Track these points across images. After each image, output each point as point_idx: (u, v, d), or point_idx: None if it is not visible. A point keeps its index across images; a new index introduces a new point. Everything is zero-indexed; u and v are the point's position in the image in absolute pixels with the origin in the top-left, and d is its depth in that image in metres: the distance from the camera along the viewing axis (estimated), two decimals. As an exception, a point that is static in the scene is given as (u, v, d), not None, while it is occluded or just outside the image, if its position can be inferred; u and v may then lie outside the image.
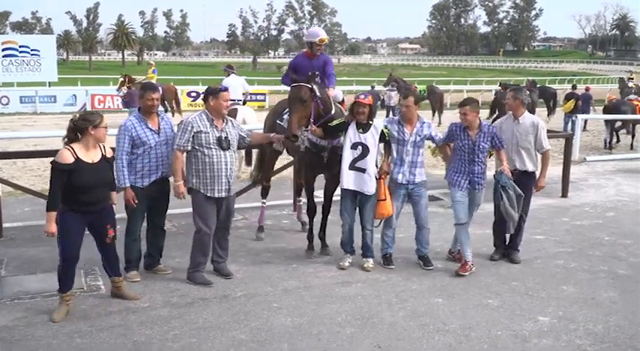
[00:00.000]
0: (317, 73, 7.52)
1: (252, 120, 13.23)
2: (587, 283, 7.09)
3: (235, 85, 14.32)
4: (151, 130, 6.78)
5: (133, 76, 24.54)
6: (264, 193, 9.15)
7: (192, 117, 6.76)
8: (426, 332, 5.71)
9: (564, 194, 11.60)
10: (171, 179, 6.90)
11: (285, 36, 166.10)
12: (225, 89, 6.92)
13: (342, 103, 8.52)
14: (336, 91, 8.42)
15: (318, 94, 7.15)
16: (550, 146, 7.59)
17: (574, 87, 24.79)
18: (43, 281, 6.87)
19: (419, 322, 5.92)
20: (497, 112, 21.11)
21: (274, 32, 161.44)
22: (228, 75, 14.88)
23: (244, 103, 14.61)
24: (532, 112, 22.04)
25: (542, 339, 5.63)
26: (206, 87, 7.32)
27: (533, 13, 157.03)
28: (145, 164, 6.79)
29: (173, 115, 23.58)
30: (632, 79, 26.21)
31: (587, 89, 24.19)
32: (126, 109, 23.67)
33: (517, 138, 7.51)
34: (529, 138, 7.50)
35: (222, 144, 6.66)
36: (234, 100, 13.86)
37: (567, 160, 11.90)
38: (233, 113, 13.24)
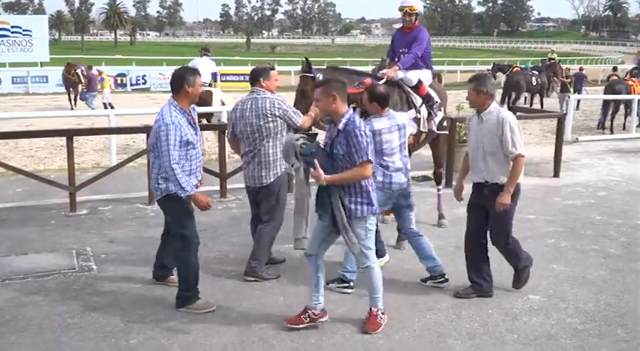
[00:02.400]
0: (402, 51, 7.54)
1: (228, 101, 12.88)
2: (577, 262, 7.10)
3: (205, 67, 14.21)
4: (191, 125, 5.58)
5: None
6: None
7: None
8: (418, 311, 5.71)
9: (556, 174, 11.60)
10: None
11: (279, 16, 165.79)
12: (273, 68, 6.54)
13: (418, 87, 7.67)
14: (408, 73, 7.61)
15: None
16: (522, 151, 5.63)
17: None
18: (34, 262, 6.85)
19: (410, 301, 5.92)
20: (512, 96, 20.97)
21: (268, 12, 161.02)
22: (201, 56, 14.73)
23: (210, 86, 14.37)
24: (540, 94, 22.17)
25: (533, 317, 5.64)
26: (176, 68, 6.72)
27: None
28: (188, 169, 5.58)
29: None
30: (554, 58, 26.21)
31: (580, 69, 24.20)
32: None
33: (482, 141, 5.79)
34: (494, 140, 5.69)
35: None
36: (204, 83, 13.80)
37: (559, 140, 11.88)
38: (208, 96, 13.12)
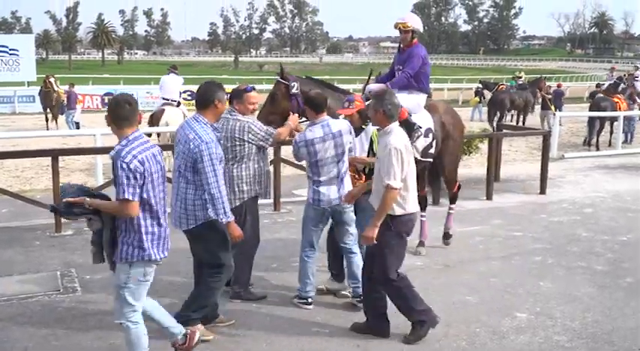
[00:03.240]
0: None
1: (175, 122, 12.27)
2: (564, 279, 7.11)
3: (173, 85, 14.14)
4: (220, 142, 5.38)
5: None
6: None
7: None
8: (405, 330, 5.68)
9: (542, 191, 11.65)
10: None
11: (266, 35, 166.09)
12: (252, 88, 6.21)
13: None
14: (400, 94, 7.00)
15: (295, 90, 6.71)
16: (395, 183, 5.08)
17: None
18: (18, 284, 6.79)
19: (398, 320, 5.88)
20: (497, 115, 21.04)
21: (256, 31, 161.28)
22: (169, 73, 14.64)
23: (179, 105, 14.25)
24: (524, 111, 22.27)
25: (520, 335, 5.64)
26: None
27: (513, 11, 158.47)
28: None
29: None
30: (521, 77, 26.42)
31: (558, 86, 24.48)
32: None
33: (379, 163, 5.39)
34: (379, 163, 5.39)
35: None
36: (168, 100, 13.76)
37: (545, 157, 11.94)
38: (160, 114, 13.14)
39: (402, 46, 7.58)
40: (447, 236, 8.20)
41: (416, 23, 7.45)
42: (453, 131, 7.95)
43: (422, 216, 8.00)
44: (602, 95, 19.51)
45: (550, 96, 21.42)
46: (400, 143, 5.23)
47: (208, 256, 5.27)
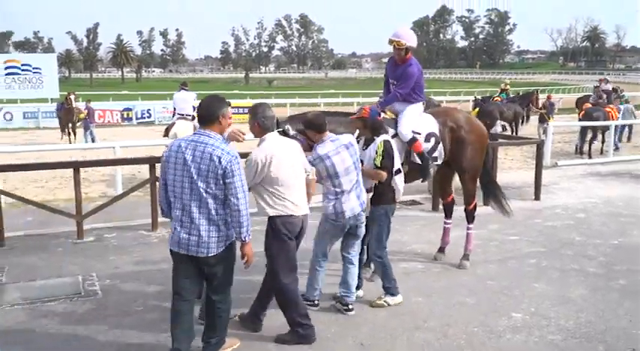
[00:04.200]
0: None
1: (184, 134, 12.14)
2: (558, 281, 7.07)
3: (185, 101, 14.19)
4: None
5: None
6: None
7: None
8: (406, 329, 5.67)
9: (537, 197, 11.61)
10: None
11: (275, 52, 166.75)
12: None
13: (411, 144, 7.10)
14: (401, 127, 7.05)
15: (292, 133, 6.20)
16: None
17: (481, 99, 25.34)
18: (42, 288, 6.80)
19: (400, 320, 5.88)
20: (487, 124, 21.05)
21: (265, 49, 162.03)
22: (180, 90, 14.67)
23: (193, 119, 14.25)
24: (515, 122, 22.25)
25: (516, 335, 5.60)
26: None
27: (507, 28, 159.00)
28: None
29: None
30: (506, 89, 26.24)
31: (548, 97, 24.45)
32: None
33: None
34: None
35: None
36: (183, 115, 13.81)
37: (539, 165, 11.91)
38: (171, 127, 13.28)
39: (396, 60, 7.32)
40: (465, 257, 7.58)
41: (410, 40, 7.15)
42: (468, 135, 7.46)
43: (446, 223, 7.90)
44: (594, 106, 19.49)
45: (545, 110, 21.36)
46: (260, 155, 5.09)
47: (224, 279, 4.81)
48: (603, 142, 18.51)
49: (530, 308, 6.22)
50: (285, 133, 6.35)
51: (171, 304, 4.86)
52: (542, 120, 19.95)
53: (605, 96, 22.13)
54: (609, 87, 25.45)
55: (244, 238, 4.60)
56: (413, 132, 7.07)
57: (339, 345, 5.38)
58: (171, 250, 4.74)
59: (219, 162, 4.46)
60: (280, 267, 5.29)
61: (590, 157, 17.47)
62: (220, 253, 4.63)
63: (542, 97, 25.26)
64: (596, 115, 17.81)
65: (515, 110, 22.23)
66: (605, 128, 18.01)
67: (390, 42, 7.09)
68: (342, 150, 5.73)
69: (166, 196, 4.75)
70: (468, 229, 7.74)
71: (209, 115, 4.66)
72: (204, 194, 4.52)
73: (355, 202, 5.81)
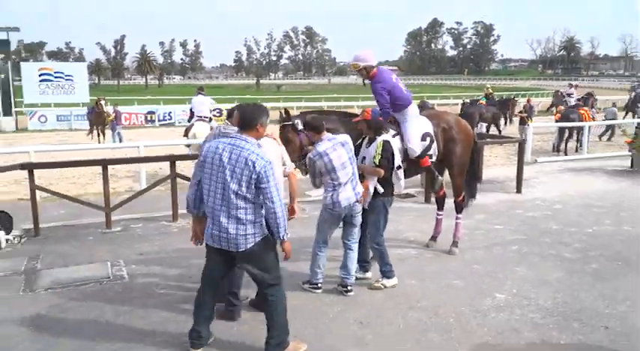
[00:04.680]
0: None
1: (202, 135, 12.12)
2: (538, 265, 7.05)
3: (202, 104, 14.16)
4: None
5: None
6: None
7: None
8: (401, 309, 5.66)
9: (519, 190, 11.57)
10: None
11: (283, 61, 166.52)
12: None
13: (421, 158, 7.04)
14: (411, 144, 6.93)
15: (301, 127, 6.35)
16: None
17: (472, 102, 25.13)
18: (74, 273, 6.80)
19: (395, 301, 5.87)
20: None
21: (274, 58, 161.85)
22: (197, 95, 14.63)
23: (210, 120, 14.22)
24: (495, 124, 22.18)
25: (500, 313, 5.59)
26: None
27: (492, 38, 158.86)
28: None
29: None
30: (491, 93, 25.97)
31: (528, 101, 24.47)
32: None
33: None
34: None
35: None
36: (200, 117, 13.78)
37: (520, 161, 11.87)
38: (189, 128, 13.25)
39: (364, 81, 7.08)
40: (455, 244, 7.59)
41: (365, 60, 6.85)
42: (457, 135, 7.45)
43: (438, 214, 7.89)
44: (570, 109, 19.46)
45: (526, 114, 21.27)
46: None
47: (268, 274, 4.65)
48: (578, 141, 18.46)
49: (513, 290, 6.21)
50: (294, 127, 6.40)
51: (198, 289, 4.83)
52: (523, 122, 19.82)
53: (565, 99, 22.16)
54: (572, 91, 25.49)
55: (282, 237, 4.49)
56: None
57: (340, 323, 5.38)
58: (206, 243, 4.69)
59: (254, 167, 4.29)
60: None
61: (566, 154, 17.42)
62: (250, 249, 4.46)
63: (522, 101, 25.19)
64: (572, 116, 17.75)
65: (494, 112, 22.35)
66: (580, 128, 17.94)
67: (354, 66, 6.90)
68: (338, 147, 5.75)
69: (196, 192, 4.71)
70: (457, 219, 7.72)
71: (249, 121, 4.50)
72: (234, 195, 4.36)
73: (350, 193, 5.83)
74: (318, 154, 5.74)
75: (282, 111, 6.72)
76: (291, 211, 5.72)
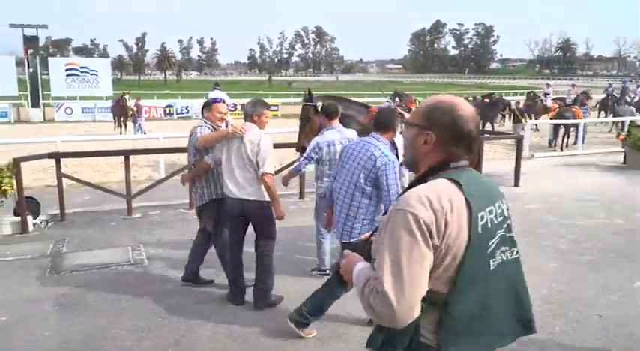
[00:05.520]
0: None
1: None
2: (534, 255, 6.99)
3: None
4: None
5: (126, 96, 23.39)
6: None
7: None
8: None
9: (516, 184, 11.48)
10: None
11: (294, 58, 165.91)
12: (221, 100, 5.83)
13: None
14: None
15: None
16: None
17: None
18: (97, 256, 6.82)
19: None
20: None
21: (285, 55, 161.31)
22: (213, 90, 14.55)
23: (225, 114, 14.18)
24: (491, 122, 22.02)
25: (498, 301, 5.53)
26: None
27: (492, 39, 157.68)
28: None
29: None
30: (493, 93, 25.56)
31: (517, 103, 24.15)
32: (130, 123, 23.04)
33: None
34: None
35: None
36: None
37: (518, 156, 11.77)
38: None
39: None
40: None
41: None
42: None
43: None
44: (565, 107, 19.30)
45: (519, 112, 20.94)
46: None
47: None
48: (568, 137, 18.33)
49: (510, 279, 6.14)
50: (315, 107, 6.32)
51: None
52: (517, 120, 19.50)
53: (540, 99, 21.94)
54: (550, 90, 25.38)
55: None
56: None
57: (340, 306, 5.34)
58: None
59: (377, 163, 4.38)
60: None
61: (562, 150, 17.28)
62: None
63: (514, 99, 24.82)
64: (567, 115, 17.62)
65: (481, 112, 22.06)
66: (575, 126, 17.79)
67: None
68: (344, 141, 5.61)
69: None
70: None
71: (386, 124, 4.60)
72: (352, 187, 4.50)
73: None
74: (325, 142, 5.64)
75: (306, 91, 6.66)
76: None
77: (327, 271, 6.07)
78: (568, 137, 18.10)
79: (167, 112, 33.41)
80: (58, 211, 8.63)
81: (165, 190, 9.92)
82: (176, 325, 4.96)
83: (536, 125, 17.49)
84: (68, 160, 12.66)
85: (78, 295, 5.61)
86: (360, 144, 4.58)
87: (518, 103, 20.46)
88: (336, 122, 5.77)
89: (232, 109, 26.77)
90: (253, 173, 5.03)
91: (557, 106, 21.48)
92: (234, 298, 5.39)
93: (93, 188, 9.47)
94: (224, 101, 5.87)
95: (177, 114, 33.61)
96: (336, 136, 5.69)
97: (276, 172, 10.39)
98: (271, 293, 5.31)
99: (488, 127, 21.76)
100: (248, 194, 5.05)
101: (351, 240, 4.40)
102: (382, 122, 4.61)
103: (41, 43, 34.72)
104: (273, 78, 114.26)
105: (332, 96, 7.09)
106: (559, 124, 17.54)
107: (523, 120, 19.87)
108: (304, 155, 5.87)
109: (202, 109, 5.71)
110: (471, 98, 27.14)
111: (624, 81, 41.29)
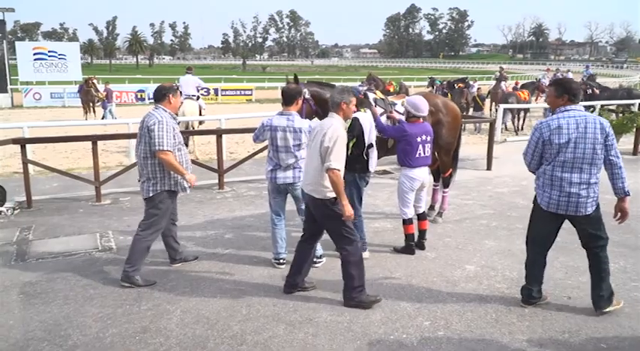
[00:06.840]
0: None
1: (191, 113, 12.95)
2: (505, 238, 7.06)
3: (189, 83, 13.96)
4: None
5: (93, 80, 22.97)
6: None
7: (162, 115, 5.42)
8: (377, 279, 5.63)
9: (489, 167, 11.58)
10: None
11: (268, 43, 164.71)
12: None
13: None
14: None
15: (307, 96, 6.29)
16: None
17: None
18: (64, 244, 6.68)
19: (371, 272, 5.81)
20: None
21: (260, 40, 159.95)
22: (185, 74, 14.38)
23: (198, 99, 14.05)
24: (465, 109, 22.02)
25: (469, 283, 5.58)
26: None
27: (466, 24, 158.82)
28: None
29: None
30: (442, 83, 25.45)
31: (479, 89, 24.07)
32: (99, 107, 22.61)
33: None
34: None
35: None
36: (188, 95, 13.57)
37: (491, 140, 11.86)
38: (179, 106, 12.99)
39: None
40: (440, 214, 7.79)
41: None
42: (444, 117, 7.40)
43: (435, 185, 8.10)
44: (508, 92, 19.47)
45: (479, 99, 20.67)
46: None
47: (598, 233, 4.91)
48: (523, 120, 18.51)
49: (481, 261, 6.20)
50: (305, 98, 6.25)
51: (528, 251, 5.15)
52: (478, 109, 19.32)
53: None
54: (506, 76, 25.72)
55: (628, 192, 4.69)
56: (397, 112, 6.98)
57: (318, 292, 5.32)
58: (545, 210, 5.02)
59: (603, 129, 4.58)
60: None
61: (516, 133, 17.47)
62: (594, 212, 4.74)
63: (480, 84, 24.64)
64: (510, 100, 17.73)
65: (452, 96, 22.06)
66: (526, 109, 18.00)
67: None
68: (289, 131, 5.53)
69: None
70: (444, 192, 7.92)
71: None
72: (595, 158, 4.62)
73: (289, 175, 5.67)
74: (268, 126, 5.61)
75: (294, 75, 6.59)
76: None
77: (282, 261, 5.95)
78: (518, 120, 18.28)
79: (139, 97, 32.88)
80: (24, 198, 8.43)
81: (136, 176, 9.74)
82: (144, 312, 4.89)
83: (497, 110, 17.59)
84: (36, 147, 12.41)
85: (43, 283, 5.49)
86: (583, 119, 4.62)
87: (479, 89, 20.28)
88: (289, 109, 5.60)
89: (205, 93, 26.39)
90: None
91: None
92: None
93: (61, 175, 9.27)
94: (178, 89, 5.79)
95: (149, 99, 33.01)
96: (282, 122, 5.56)
97: (252, 156, 10.30)
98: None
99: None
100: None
101: (593, 210, 4.74)
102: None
103: (9, 27, 33.76)
104: (247, 63, 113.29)
105: (314, 82, 6.97)
106: (506, 109, 17.44)
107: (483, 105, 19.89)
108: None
109: (168, 94, 5.55)
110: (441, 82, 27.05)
111: (587, 66, 42.11)
